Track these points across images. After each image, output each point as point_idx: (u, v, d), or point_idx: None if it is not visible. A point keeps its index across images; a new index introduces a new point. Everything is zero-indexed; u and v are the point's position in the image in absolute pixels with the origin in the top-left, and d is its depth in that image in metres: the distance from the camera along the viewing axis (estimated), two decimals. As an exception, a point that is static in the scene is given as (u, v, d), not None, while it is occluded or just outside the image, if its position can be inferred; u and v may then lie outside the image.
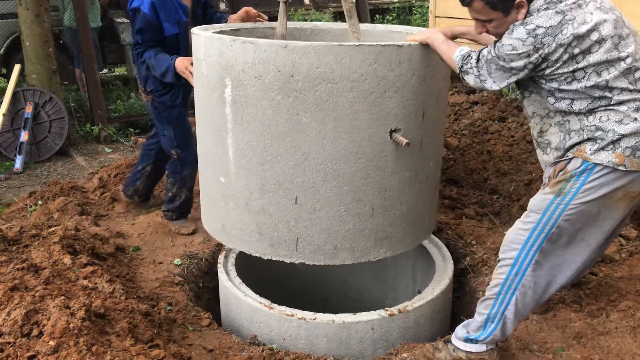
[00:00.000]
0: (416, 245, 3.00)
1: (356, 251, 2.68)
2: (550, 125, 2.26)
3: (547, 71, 2.09)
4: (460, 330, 2.47)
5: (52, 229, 3.31)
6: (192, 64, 3.02)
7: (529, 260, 2.27)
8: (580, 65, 2.05)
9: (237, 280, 3.01)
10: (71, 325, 2.15)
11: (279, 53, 2.36)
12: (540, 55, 2.05)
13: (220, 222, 2.84)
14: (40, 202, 4.15)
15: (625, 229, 3.35)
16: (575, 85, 2.09)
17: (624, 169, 2.10)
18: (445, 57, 2.34)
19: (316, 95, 2.39)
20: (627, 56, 2.06)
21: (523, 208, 2.36)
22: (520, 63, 2.08)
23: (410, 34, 3.06)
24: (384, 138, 2.49)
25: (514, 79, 2.16)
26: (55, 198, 4.16)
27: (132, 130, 6.81)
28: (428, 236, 3.13)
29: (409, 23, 12.12)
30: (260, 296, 2.86)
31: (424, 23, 11.13)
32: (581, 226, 2.23)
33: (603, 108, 2.11)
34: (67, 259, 2.88)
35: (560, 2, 2.06)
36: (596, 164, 2.12)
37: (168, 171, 3.81)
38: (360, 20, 3.03)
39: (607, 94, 2.08)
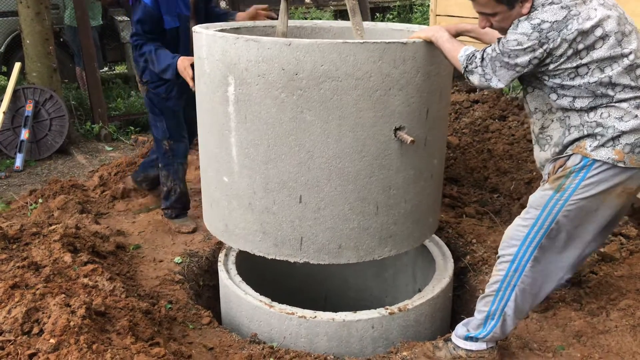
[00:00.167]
0: (420, 244, 3.00)
1: (361, 250, 2.67)
2: (552, 121, 2.27)
3: (551, 67, 2.09)
4: (460, 329, 2.47)
5: (53, 227, 3.31)
6: (192, 64, 3.02)
7: (528, 256, 2.27)
8: (584, 61, 2.06)
9: (238, 278, 3.01)
10: (72, 323, 2.15)
11: (282, 51, 2.35)
12: (545, 50, 2.05)
13: (223, 221, 2.84)
14: (40, 200, 4.16)
15: (626, 228, 3.35)
16: (578, 81, 2.09)
17: (623, 166, 2.11)
18: (449, 56, 2.34)
19: (320, 93, 2.38)
20: (630, 53, 2.07)
21: (523, 207, 2.37)
22: (525, 58, 2.08)
23: (411, 32, 3.06)
24: (388, 136, 2.49)
25: (518, 75, 2.17)
26: (55, 196, 4.16)
27: (132, 128, 6.81)
28: (432, 234, 3.12)
29: (409, 21, 12.12)
30: (261, 294, 2.86)
31: (424, 21, 11.13)
32: (580, 222, 2.24)
33: (604, 105, 2.11)
34: (68, 257, 2.88)
35: None
36: (595, 160, 2.13)
37: (161, 164, 3.82)
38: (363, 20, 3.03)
39: (610, 91, 2.08)
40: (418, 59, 2.44)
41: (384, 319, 2.71)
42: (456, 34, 2.54)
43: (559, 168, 2.24)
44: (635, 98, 2.10)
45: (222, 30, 2.87)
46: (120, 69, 10.15)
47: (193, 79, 2.98)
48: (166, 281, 3.21)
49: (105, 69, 9.71)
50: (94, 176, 4.70)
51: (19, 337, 2.15)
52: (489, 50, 2.18)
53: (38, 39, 5.92)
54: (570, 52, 2.05)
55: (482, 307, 2.40)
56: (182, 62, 3.18)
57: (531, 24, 2.05)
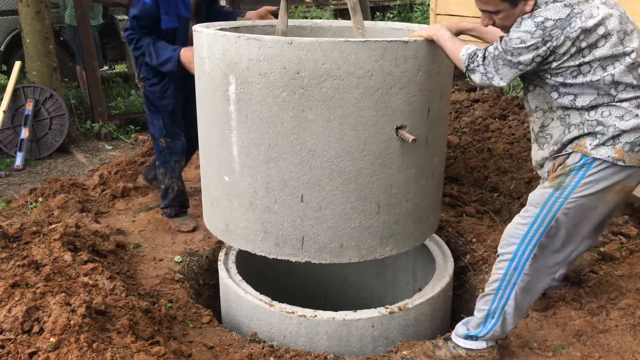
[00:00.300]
0: (421, 243, 3.00)
1: (362, 249, 2.67)
2: (552, 119, 2.27)
3: (554, 64, 2.10)
4: (460, 328, 2.47)
5: (53, 226, 3.31)
6: None
7: (527, 254, 2.28)
8: (587, 59, 2.06)
9: (238, 277, 3.01)
10: (72, 322, 2.15)
11: (284, 49, 2.35)
12: (548, 48, 2.05)
13: (223, 221, 2.84)
14: (40, 199, 4.16)
15: (626, 227, 3.35)
16: (580, 79, 2.10)
17: (622, 164, 2.12)
18: (451, 55, 2.34)
19: (322, 92, 2.38)
20: (632, 51, 2.08)
21: (523, 206, 2.37)
22: (528, 57, 2.08)
23: (411, 32, 3.05)
24: (390, 135, 2.49)
25: (520, 73, 2.17)
26: (55, 195, 4.16)
27: (132, 127, 6.81)
28: (432, 233, 3.12)
29: (409, 20, 12.11)
30: (261, 293, 2.86)
31: (424, 20, 11.12)
32: (579, 220, 2.25)
33: (605, 104, 2.12)
34: (68, 256, 2.88)
35: None
36: (595, 159, 2.14)
37: (158, 162, 3.83)
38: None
39: (612, 90, 2.09)
40: (419, 57, 2.44)
41: (384, 318, 2.71)
42: (457, 33, 2.54)
43: (558, 166, 2.24)
44: (636, 97, 2.10)
45: (221, 30, 2.86)
46: (120, 67, 10.15)
47: None
48: (166, 280, 3.21)
49: (106, 67, 9.71)
50: (94, 175, 4.70)
51: (19, 336, 2.16)
52: (490, 49, 2.18)
53: (38, 38, 5.91)
54: (573, 50, 2.05)
55: (482, 305, 2.40)
56: (186, 54, 3.17)
57: (534, 21, 2.05)
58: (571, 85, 2.12)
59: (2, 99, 5.73)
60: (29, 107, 5.79)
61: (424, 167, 2.69)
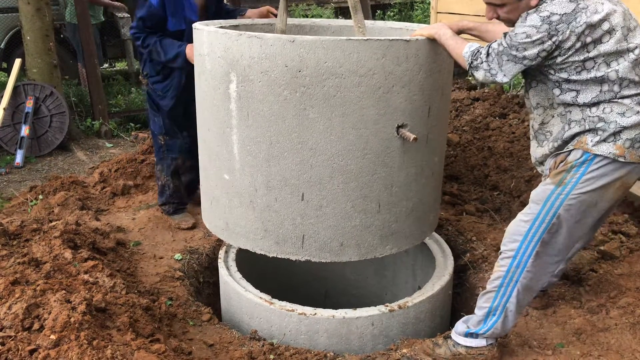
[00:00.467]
0: (421, 242, 3.00)
1: (362, 248, 2.68)
2: (553, 116, 2.28)
3: (559, 60, 2.10)
4: (460, 326, 2.47)
5: (53, 223, 3.31)
6: None
7: (530, 251, 2.28)
8: (591, 54, 2.07)
9: (238, 275, 3.01)
10: (72, 320, 2.15)
11: (286, 48, 2.35)
12: (553, 43, 2.05)
13: (223, 219, 2.84)
14: (40, 197, 4.16)
15: (626, 226, 3.35)
16: (584, 76, 2.10)
17: (623, 160, 2.14)
18: (453, 53, 2.34)
19: (324, 91, 2.38)
20: (636, 47, 2.10)
21: (523, 204, 2.38)
22: (533, 51, 2.08)
23: (410, 31, 3.05)
24: (391, 134, 2.49)
25: (524, 69, 2.16)
26: (55, 193, 4.16)
27: (132, 125, 6.81)
28: (432, 232, 3.13)
29: (410, 19, 12.10)
30: (261, 291, 2.86)
31: (425, 19, 11.11)
32: (580, 217, 2.25)
33: (607, 100, 2.13)
34: (68, 254, 2.88)
35: None
36: (596, 155, 2.15)
37: (156, 158, 3.88)
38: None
39: (615, 87, 2.10)
40: (421, 56, 2.44)
41: (383, 316, 2.71)
42: (458, 32, 2.54)
43: (560, 163, 2.25)
44: (638, 94, 2.12)
45: (221, 28, 2.86)
46: (120, 65, 10.13)
47: None
48: (166, 278, 3.21)
49: (106, 65, 9.70)
50: (94, 173, 4.70)
51: (19, 333, 2.16)
52: (494, 45, 2.18)
53: (38, 35, 5.91)
54: (578, 45, 2.05)
55: (483, 303, 2.41)
56: (192, 51, 3.19)
57: (540, 16, 2.06)
58: (575, 81, 2.13)
59: (2, 97, 5.72)
60: (29, 104, 5.79)
61: (424, 166, 2.69)
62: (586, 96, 2.14)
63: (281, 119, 2.45)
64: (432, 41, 2.45)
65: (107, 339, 2.18)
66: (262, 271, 3.41)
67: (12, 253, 2.89)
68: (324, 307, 2.75)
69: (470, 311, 2.54)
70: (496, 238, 3.53)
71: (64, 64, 7.44)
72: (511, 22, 2.22)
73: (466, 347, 2.44)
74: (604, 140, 2.13)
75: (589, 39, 2.05)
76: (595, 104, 2.14)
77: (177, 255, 3.46)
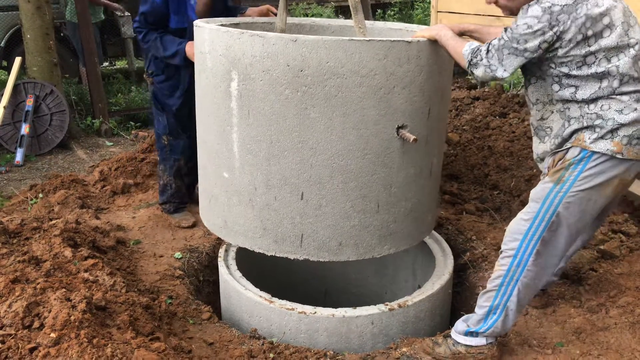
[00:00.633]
0: (418, 242, 3.01)
1: (360, 247, 2.68)
2: (552, 112, 2.28)
3: (560, 52, 2.10)
4: (460, 325, 2.47)
5: (53, 221, 3.31)
6: None
7: (530, 250, 2.29)
8: (592, 48, 2.08)
9: (238, 274, 3.01)
10: (72, 318, 2.15)
11: (288, 47, 2.35)
12: (555, 33, 2.06)
13: (222, 218, 2.84)
14: (41, 195, 4.16)
15: (626, 225, 3.35)
16: (585, 71, 2.11)
17: (621, 157, 2.14)
18: (453, 53, 2.34)
19: (325, 90, 2.38)
20: (636, 43, 2.11)
21: (523, 204, 2.38)
22: (534, 43, 2.08)
23: (409, 32, 3.06)
24: (391, 134, 2.49)
25: (525, 62, 2.15)
26: (56, 191, 4.17)
27: (132, 123, 6.81)
28: (430, 233, 3.13)
29: (410, 18, 12.09)
30: (261, 289, 2.86)
31: (425, 18, 11.11)
32: (580, 215, 2.25)
33: (606, 97, 2.13)
34: (68, 252, 2.88)
35: None
36: (594, 152, 2.15)
37: (159, 158, 3.88)
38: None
39: (615, 82, 2.11)
40: (422, 58, 2.45)
41: (383, 315, 2.72)
42: (459, 34, 2.54)
43: (558, 161, 2.26)
44: (636, 91, 2.13)
45: (222, 26, 2.86)
46: (120, 64, 10.13)
47: None
48: (166, 276, 3.21)
49: (106, 64, 9.70)
50: (95, 171, 4.70)
51: (19, 331, 2.16)
52: (494, 41, 2.18)
53: (38, 34, 5.91)
54: (579, 37, 2.06)
55: (483, 302, 2.41)
56: (191, 48, 3.20)
57: (541, 7, 2.06)
58: (575, 77, 2.13)
59: (2, 95, 5.72)
60: (29, 103, 5.79)
61: (423, 166, 2.69)
62: (585, 92, 2.15)
63: (282, 118, 2.45)
64: (434, 43, 2.45)
65: (107, 337, 2.19)
66: (262, 270, 3.42)
67: (12, 251, 2.89)
68: (324, 306, 2.75)
69: (470, 310, 2.54)
70: (496, 237, 3.53)
71: (64, 63, 7.44)
72: (509, 10, 2.24)
73: (466, 345, 2.44)
74: (602, 138, 2.14)
75: (590, 32, 2.06)
76: (594, 100, 2.15)
77: (177, 254, 3.46)
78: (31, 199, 4.14)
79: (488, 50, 2.19)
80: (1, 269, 2.65)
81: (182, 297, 3.02)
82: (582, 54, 2.09)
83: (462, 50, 2.27)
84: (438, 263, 3.15)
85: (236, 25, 3.17)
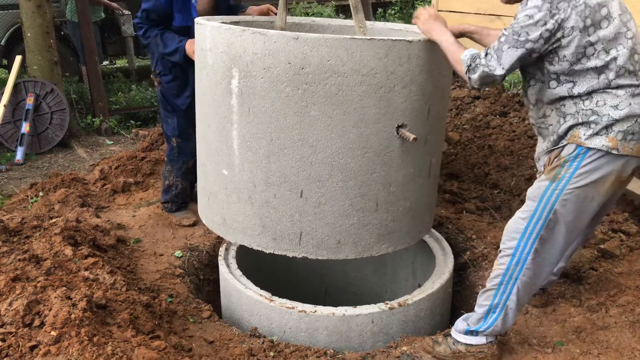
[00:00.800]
0: (416, 242, 3.01)
1: (359, 246, 2.68)
2: (552, 110, 2.29)
3: (564, 42, 2.09)
4: (460, 323, 2.48)
5: (53, 220, 3.32)
6: None
7: (528, 249, 2.29)
8: (592, 38, 2.08)
9: (238, 272, 3.01)
10: (72, 316, 2.15)
11: (289, 44, 2.35)
12: (556, 21, 2.06)
13: (220, 215, 2.84)
14: (41, 194, 4.16)
15: (626, 225, 3.36)
16: (584, 63, 2.11)
17: (616, 153, 2.14)
18: (452, 57, 2.31)
19: (326, 89, 2.38)
20: (633, 36, 2.12)
21: (524, 203, 2.38)
22: (536, 33, 2.07)
23: (409, 32, 3.05)
24: (391, 133, 2.49)
25: (525, 55, 2.12)
26: (56, 190, 4.17)
27: (133, 122, 6.81)
28: (427, 233, 3.14)
29: (411, 17, 12.05)
30: (261, 288, 2.86)
31: (426, 17, 11.06)
32: (577, 212, 2.25)
33: (602, 91, 2.13)
34: (69, 250, 2.89)
35: None
36: (589, 149, 2.15)
37: (167, 158, 3.85)
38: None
39: (611, 74, 2.11)
40: (422, 57, 2.45)
41: (383, 314, 2.72)
42: (460, 34, 2.54)
43: (554, 159, 2.26)
44: (631, 86, 2.13)
45: (223, 23, 2.86)
46: (121, 62, 10.13)
47: None
48: (167, 275, 3.22)
49: (106, 62, 9.70)
50: (95, 170, 4.71)
51: (20, 330, 2.16)
52: (493, 44, 2.17)
53: (39, 32, 5.91)
54: (581, 25, 2.06)
55: (483, 301, 2.41)
56: (191, 46, 3.20)
57: None
58: (573, 72, 2.13)
59: (3, 93, 5.73)
60: (29, 101, 5.79)
61: (422, 166, 2.70)
62: (581, 87, 2.15)
63: (282, 116, 2.45)
64: (434, 43, 2.44)
65: (107, 335, 2.19)
66: (262, 268, 3.42)
67: (13, 250, 2.90)
68: (324, 305, 2.75)
69: (470, 309, 2.54)
70: (496, 236, 3.54)
71: (65, 61, 7.44)
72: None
73: (466, 344, 2.45)
74: (597, 134, 2.14)
75: (588, 21, 2.06)
76: (589, 95, 2.15)
77: (178, 253, 3.46)
78: (31, 198, 4.14)
79: (487, 54, 2.18)
80: (2, 267, 2.65)
81: (183, 295, 3.02)
82: (582, 44, 2.09)
83: (462, 55, 2.25)
84: (438, 262, 3.15)
85: (236, 24, 3.17)
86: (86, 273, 2.72)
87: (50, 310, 2.22)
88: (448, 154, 4.67)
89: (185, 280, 3.22)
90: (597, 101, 2.14)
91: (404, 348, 2.56)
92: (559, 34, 2.09)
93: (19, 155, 5.54)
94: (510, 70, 2.15)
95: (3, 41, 7.54)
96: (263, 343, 2.62)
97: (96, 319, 2.25)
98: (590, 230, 2.69)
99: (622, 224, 3.35)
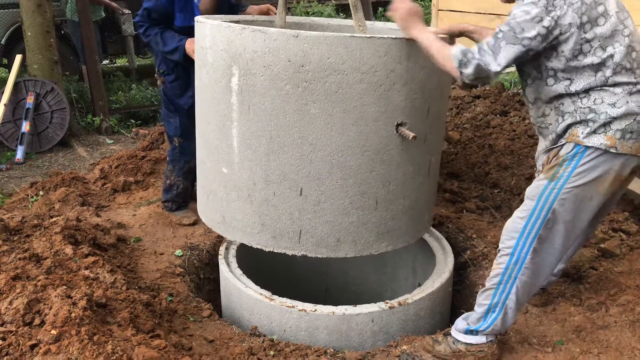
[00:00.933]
0: (415, 240, 3.01)
1: (358, 244, 2.68)
2: (551, 109, 2.28)
3: (562, 38, 2.08)
4: (460, 323, 2.48)
5: (54, 219, 3.32)
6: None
7: (527, 248, 2.29)
8: (588, 35, 2.08)
9: (238, 271, 3.01)
10: (73, 315, 2.15)
11: (289, 42, 2.35)
12: (552, 18, 2.05)
13: (220, 213, 2.84)
14: (41, 193, 4.16)
15: (626, 224, 3.36)
16: (581, 60, 2.10)
17: (615, 151, 2.13)
18: (438, 54, 2.24)
19: (326, 87, 2.38)
20: (630, 34, 2.11)
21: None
22: (533, 32, 2.06)
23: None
24: (390, 131, 2.49)
25: (521, 52, 2.10)
26: (56, 189, 4.17)
27: (133, 121, 6.82)
28: (426, 231, 3.14)
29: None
30: (261, 287, 2.86)
31: (426, 16, 11.06)
32: (576, 211, 2.25)
33: (599, 88, 2.13)
34: (69, 249, 2.89)
35: None
36: (588, 147, 2.14)
37: (168, 158, 3.85)
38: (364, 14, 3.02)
39: (608, 72, 2.10)
40: (422, 56, 2.44)
41: (383, 313, 2.72)
42: (459, 34, 2.53)
43: (552, 158, 2.26)
44: (628, 83, 2.12)
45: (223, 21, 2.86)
46: (121, 62, 10.13)
47: None
48: (167, 274, 3.22)
49: (106, 61, 9.70)
50: (95, 169, 4.71)
51: (20, 328, 2.16)
52: (487, 40, 2.14)
53: (39, 31, 5.91)
54: (578, 21, 2.06)
55: (482, 300, 2.41)
56: (191, 45, 3.20)
57: None
58: (571, 68, 2.13)
59: (3, 92, 5.73)
60: (30, 100, 5.80)
61: (421, 164, 2.70)
62: (578, 84, 2.14)
63: (282, 114, 2.45)
64: None
65: (107, 334, 2.19)
66: (263, 268, 3.42)
67: (13, 248, 2.90)
68: (324, 304, 2.75)
69: (470, 308, 2.54)
70: (496, 235, 3.53)
71: (65, 60, 7.44)
72: None
73: (466, 343, 2.45)
74: (595, 132, 2.13)
75: (585, 18, 2.06)
76: (587, 92, 2.14)
77: (178, 252, 3.46)
78: (32, 197, 4.14)
79: (480, 49, 2.15)
80: (2, 266, 2.66)
81: (183, 294, 3.02)
82: (578, 41, 2.08)
83: (451, 51, 2.19)
84: (438, 261, 3.15)
85: (236, 23, 3.17)
86: (86, 272, 2.72)
87: (50, 309, 2.22)
88: (448, 153, 4.67)
89: (185, 279, 3.22)
90: (595, 99, 2.14)
91: (404, 347, 2.56)
92: (556, 32, 2.08)
93: (19, 154, 5.54)
94: (505, 66, 2.12)
95: (3, 40, 7.55)
96: (263, 342, 2.62)
97: (96, 318, 2.25)
98: (591, 230, 2.68)
99: (622, 223, 3.35)
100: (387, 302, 2.76)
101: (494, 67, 2.12)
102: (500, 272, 2.35)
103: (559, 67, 2.15)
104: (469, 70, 2.15)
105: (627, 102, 2.11)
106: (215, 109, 2.65)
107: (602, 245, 3.13)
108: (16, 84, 5.79)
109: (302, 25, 3.41)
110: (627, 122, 2.12)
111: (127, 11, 8.23)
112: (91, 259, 2.86)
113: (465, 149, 4.69)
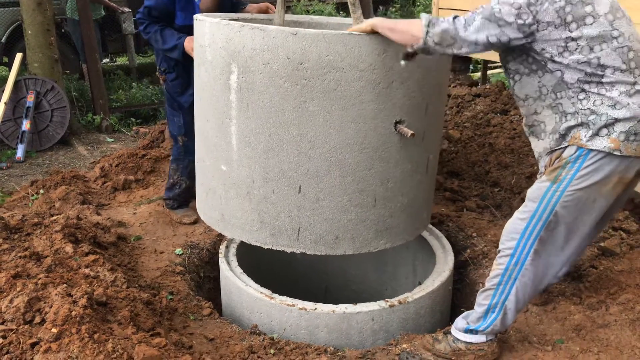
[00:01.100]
0: (413, 238, 3.01)
1: (357, 242, 2.68)
2: (544, 108, 2.26)
3: (538, 35, 2.06)
4: (460, 322, 2.48)
5: (54, 217, 3.32)
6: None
7: (527, 249, 2.28)
8: (574, 34, 2.05)
9: (239, 270, 3.01)
10: (73, 313, 2.16)
11: (288, 40, 2.35)
12: (532, 12, 2.03)
13: (219, 211, 2.84)
14: (42, 191, 4.16)
15: (626, 223, 3.36)
16: (567, 57, 2.08)
17: (619, 154, 2.11)
18: (406, 28, 2.20)
19: (324, 84, 2.38)
20: (619, 35, 2.07)
21: (524, 201, 2.37)
22: (511, 17, 2.04)
23: None
24: (389, 129, 2.49)
25: (495, 33, 2.07)
26: (56, 187, 4.17)
27: (133, 120, 6.82)
28: (425, 229, 3.14)
29: (412, 15, 12.08)
30: (261, 285, 2.87)
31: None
32: (578, 214, 2.24)
33: (595, 88, 2.10)
34: (69, 248, 2.89)
35: None
36: (591, 150, 2.12)
37: (172, 157, 3.84)
38: (364, 13, 3.02)
39: (599, 71, 2.08)
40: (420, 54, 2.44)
41: (384, 312, 2.72)
42: None
43: (555, 160, 2.24)
44: (625, 84, 2.09)
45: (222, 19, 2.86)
46: (121, 60, 10.13)
47: None
48: (167, 272, 3.22)
49: (107, 60, 9.70)
50: (95, 167, 4.71)
51: (21, 326, 2.17)
52: (466, 15, 2.11)
53: (39, 30, 5.91)
54: (558, 21, 2.04)
55: (482, 300, 2.41)
56: (190, 43, 3.21)
57: None
58: (558, 64, 2.11)
59: (3, 91, 5.73)
60: (30, 99, 5.80)
61: (419, 162, 2.70)
62: (572, 76, 2.12)
63: (281, 111, 2.45)
64: None
65: (108, 332, 2.19)
66: (263, 266, 3.42)
67: (14, 247, 2.90)
68: (325, 302, 2.76)
69: (470, 307, 2.54)
70: (497, 234, 3.54)
71: (65, 59, 7.45)
72: None
73: (466, 342, 2.45)
74: (597, 134, 2.11)
75: (569, 17, 2.04)
76: (584, 91, 2.12)
77: (178, 250, 3.47)
78: (32, 195, 4.14)
79: (455, 17, 2.11)
80: (2, 265, 2.66)
81: (183, 293, 3.02)
82: (562, 37, 2.06)
83: (417, 22, 2.15)
84: (438, 260, 3.15)
85: (235, 21, 3.17)
86: (87, 270, 2.72)
87: (50, 307, 2.22)
88: (449, 152, 4.67)
89: (185, 277, 3.22)
90: (595, 100, 2.12)
91: (404, 346, 2.56)
92: (533, 27, 2.06)
93: (20, 152, 5.54)
94: (474, 42, 2.09)
95: (3, 39, 7.55)
96: (263, 340, 2.62)
97: (97, 316, 2.25)
98: (595, 233, 2.63)
99: (622, 222, 3.35)
100: (387, 301, 2.76)
101: (462, 33, 2.08)
102: (500, 272, 2.34)
103: (547, 59, 2.13)
104: (435, 29, 2.11)
105: (628, 103, 2.09)
106: (214, 107, 2.65)
107: (602, 244, 3.13)
108: (16, 83, 5.79)
109: (301, 24, 3.41)
110: (631, 124, 2.09)
111: (127, 9, 8.23)
112: (91, 257, 2.86)
113: (466, 148, 4.69)
